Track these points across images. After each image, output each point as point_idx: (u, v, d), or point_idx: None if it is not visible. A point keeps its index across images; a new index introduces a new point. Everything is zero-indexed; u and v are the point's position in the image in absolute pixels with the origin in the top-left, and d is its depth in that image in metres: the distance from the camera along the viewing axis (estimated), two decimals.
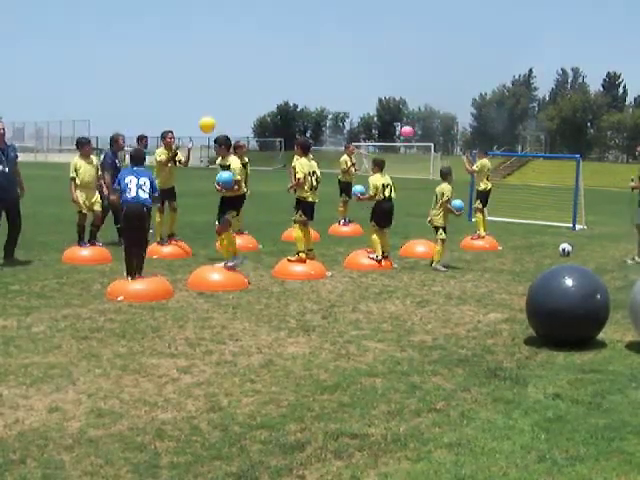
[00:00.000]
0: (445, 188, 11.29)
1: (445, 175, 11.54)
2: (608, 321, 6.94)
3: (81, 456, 4.08)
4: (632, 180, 12.43)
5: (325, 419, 4.72)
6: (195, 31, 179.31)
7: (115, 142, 12.63)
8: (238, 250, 9.77)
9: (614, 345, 6.84)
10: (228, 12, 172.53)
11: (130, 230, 8.60)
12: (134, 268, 8.48)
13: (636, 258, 12.42)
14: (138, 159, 8.97)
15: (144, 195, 8.51)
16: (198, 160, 66.58)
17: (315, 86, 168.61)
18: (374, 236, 11.05)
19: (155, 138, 22.51)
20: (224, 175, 9.31)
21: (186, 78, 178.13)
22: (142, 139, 13.45)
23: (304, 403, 5.02)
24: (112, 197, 8.96)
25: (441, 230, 11.27)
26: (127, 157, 11.27)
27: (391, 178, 11.31)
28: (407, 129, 20.75)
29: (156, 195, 8.91)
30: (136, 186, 8.48)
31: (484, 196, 14.27)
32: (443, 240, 11.28)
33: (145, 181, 8.57)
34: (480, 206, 14.19)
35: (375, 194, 10.97)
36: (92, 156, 11.33)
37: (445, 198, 11.23)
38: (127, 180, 8.53)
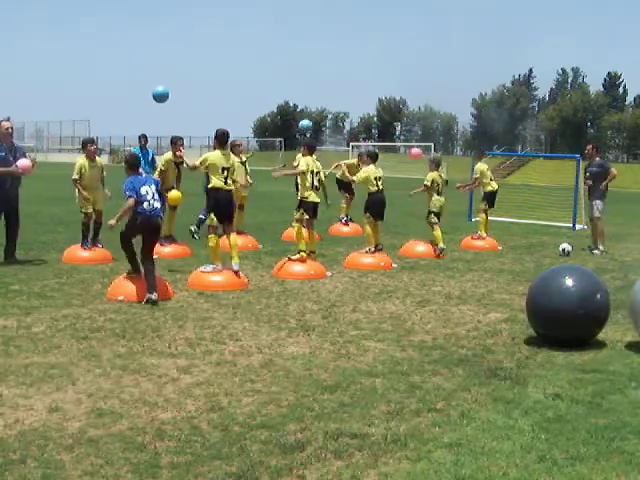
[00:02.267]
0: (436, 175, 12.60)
1: (437, 165, 12.98)
2: (608, 321, 6.93)
3: (81, 456, 4.07)
4: (585, 177, 13.82)
5: (325, 419, 4.72)
6: (195, 31, 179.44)
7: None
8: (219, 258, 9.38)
9: (614, 345, 6.84)
10: (228, 12, 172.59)
11: (147, 239, 8.42)
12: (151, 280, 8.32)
13: (599, 249, 13.59)
14: (136, 166, 8.76)
15: (158, 205, 8.48)
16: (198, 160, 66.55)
17: (315, 86, 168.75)
18: (368, 228, 11.35)
19: (155, 138, 22.55)
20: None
21: (186, 78, 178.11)
22: (142, 138, 13.54)
23: (304, 403, 5.03)
24: (129, 201, 8.44)
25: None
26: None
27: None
28: (415, 151, 20.65)
29: (162, 202, 8.97)
30: (152, 197, 8.37)
31: (491, 197, 14.25)
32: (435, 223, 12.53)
33: (155, 189, 8.51)
34: (486, 207, 14.15)
35: (357, 181, 11.67)
36: (97, 157, 11.31)
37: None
38: (144, 191, 8.33)
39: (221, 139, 9.49)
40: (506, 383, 5.58)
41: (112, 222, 8.37)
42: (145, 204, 8.31)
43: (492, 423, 4.71)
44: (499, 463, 4.09)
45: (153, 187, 8.50)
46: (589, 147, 14.42)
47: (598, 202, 13.60)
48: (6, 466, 3.91)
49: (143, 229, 8.36)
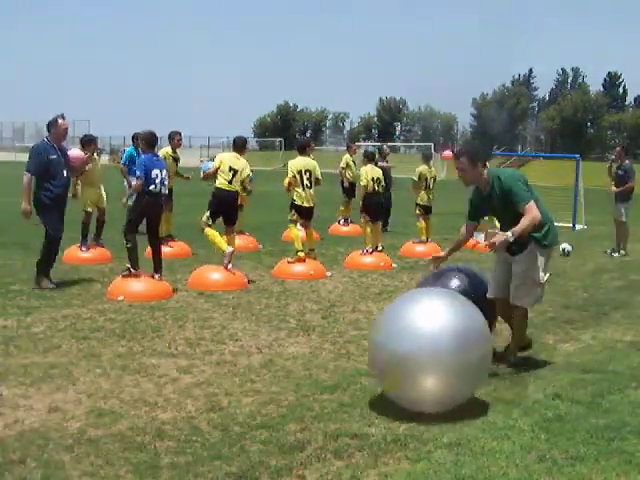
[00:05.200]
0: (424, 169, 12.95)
1: (427, 159, 13.30)
2: (608, 321, 6.93)
3: (81, 456, 4.07)
4: (611, 181, 13.43)
5: (325, 419, 4.72)
6: (195, 30, 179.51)
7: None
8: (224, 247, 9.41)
9: (614, 345, 6.84)
10: (228, 11, 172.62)
11: (150, 220, 8.71)
12: (156, 263, 8.71)
13: (620, 252, 13.31)
14: (153, 144, 8.87)
15: (165, 191, 8.77)
16: (198, 160, 66.56)
17: (315, 86, 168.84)
18: (367, 229, 11.50)
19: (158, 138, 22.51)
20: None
21: (186, 78, 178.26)
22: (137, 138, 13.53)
23: (304, 403, 5.02)
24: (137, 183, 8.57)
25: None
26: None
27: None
28: (447, 153, 20.46)
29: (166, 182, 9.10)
30: (160, 181, 8.54)
31: None
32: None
33: (165, 174, 8.69)
34: None
35: (366, 185, 11.43)
36: (95, 155, 11.28)
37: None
38: (154, 174, 8.46)
39: (238, 143, 9.69)
40: (506, 383, 5.57)
41: (124, 201, 9.06)
42: (152, 186, 8.47)
43: (492, 423, 4.71)
44: (499, 463, 4.08)
45: (164, 172, 8.67)
46: (618, 149, 13.92)
47: (622, 205, 13.24)
48: (6, 466, 3.91)
49: (149, 209, 8.58)
